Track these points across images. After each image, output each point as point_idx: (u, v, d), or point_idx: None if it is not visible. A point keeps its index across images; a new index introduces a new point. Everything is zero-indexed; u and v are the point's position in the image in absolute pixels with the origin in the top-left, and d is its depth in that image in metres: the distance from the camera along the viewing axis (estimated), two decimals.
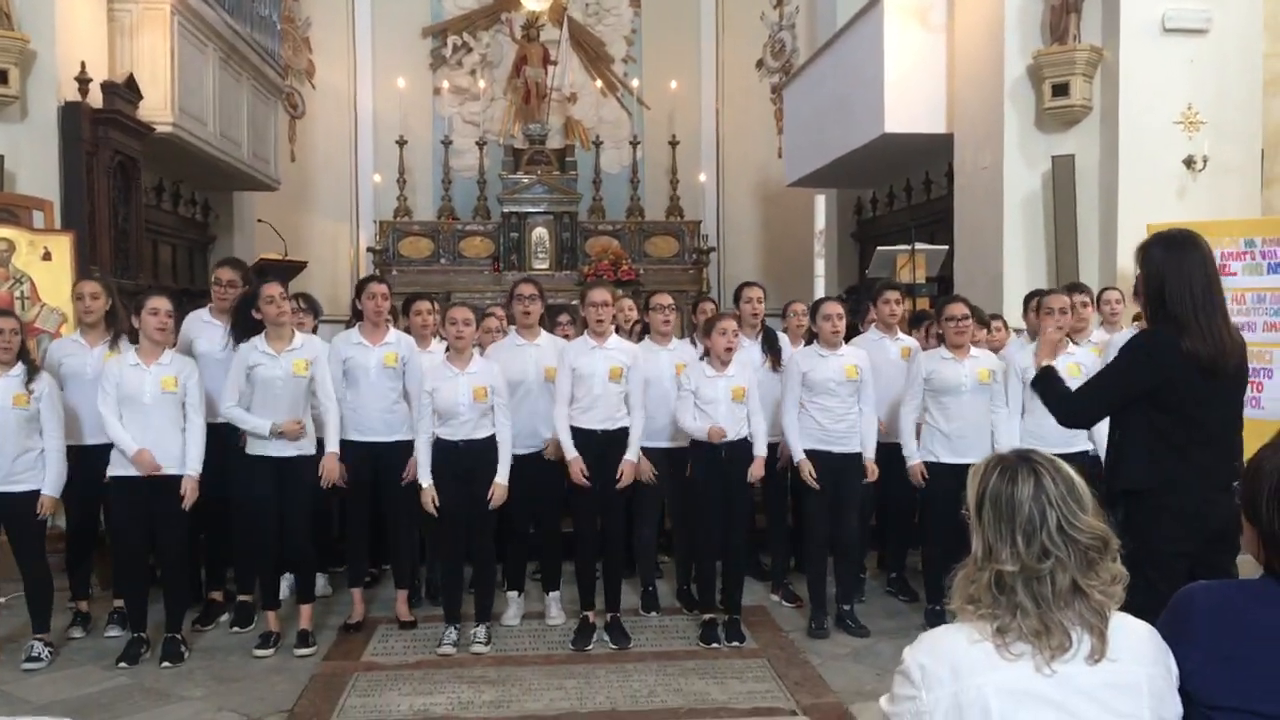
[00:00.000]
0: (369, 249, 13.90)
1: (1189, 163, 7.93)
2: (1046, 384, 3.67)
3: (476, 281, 13.37)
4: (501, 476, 5.41)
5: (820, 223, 14.25)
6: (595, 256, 13.38)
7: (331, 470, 5.51)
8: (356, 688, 4.92)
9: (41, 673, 5.16)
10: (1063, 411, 3.59)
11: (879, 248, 9.19)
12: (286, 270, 10.06)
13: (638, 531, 6.17)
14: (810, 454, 5.65)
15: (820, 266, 14.12)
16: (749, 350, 6.17)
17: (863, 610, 5.96)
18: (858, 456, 5.69)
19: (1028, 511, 1.93)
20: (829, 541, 5.76)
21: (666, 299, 6.11)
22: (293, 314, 5.64)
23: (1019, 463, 1.98)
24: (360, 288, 6.07)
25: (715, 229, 14.90)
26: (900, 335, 6.36)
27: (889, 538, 6.68)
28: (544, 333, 5.90)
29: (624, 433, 5.58)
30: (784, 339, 6.40)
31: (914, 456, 5.66)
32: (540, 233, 13.58)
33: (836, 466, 5.66)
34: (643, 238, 13.96)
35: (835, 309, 5.73)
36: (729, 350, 5.49)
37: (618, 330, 6.01)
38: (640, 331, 6.39)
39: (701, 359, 5.67)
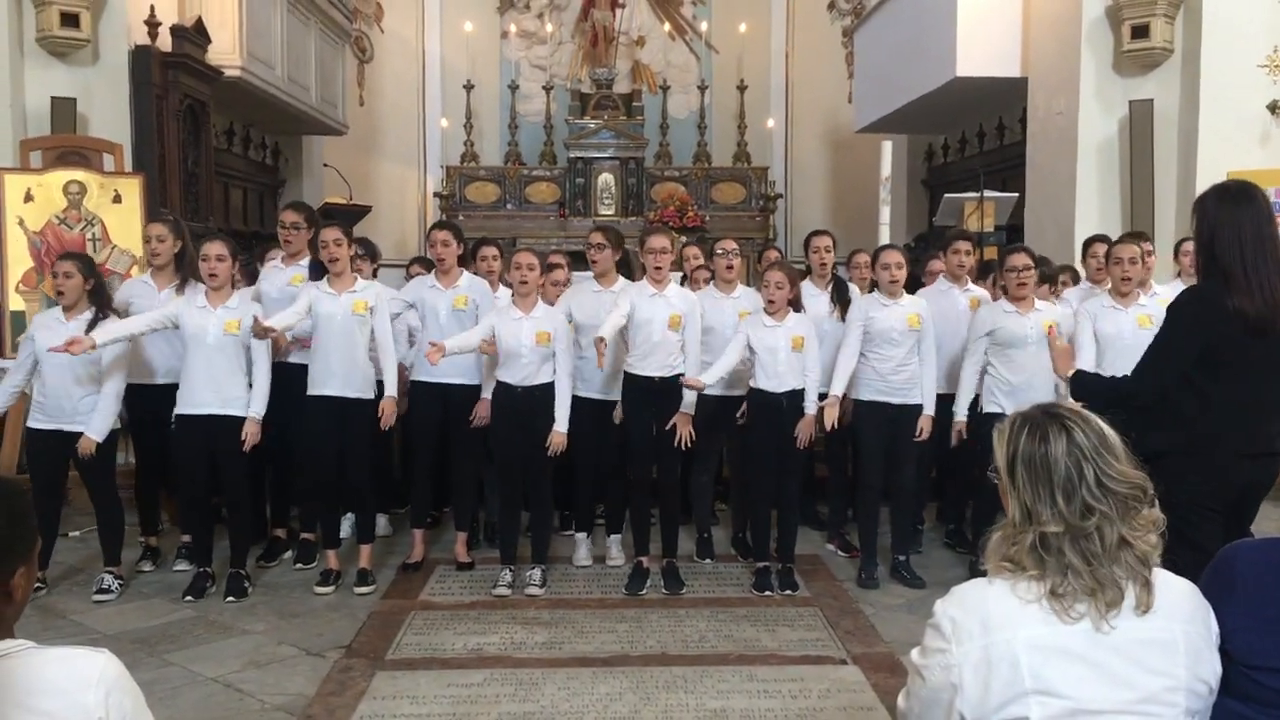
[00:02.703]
0: (435, 194, 13.95)
1: (1273, 108, 7.69)
2: (1087, 387, 3.60)
3: (542, 227, 13.40)
4: (561, 425, 5.44)
5: (886, 169, 14.04)
6: (661, 202, 13.34)
7: (389, 415, 5.57)
8: (413, 626, 5.01)
9: (111, 605, 5.33)
10: (1124, 393, 3.45)
11: (947, 195, 9.03)
12: (351, 215, 10.16)
13: (694, 478, 6.20)
14: (869, 404, 5.65)
15: (885, 214, 13.94)
16: (817, 300, 6.14)
17: (919, 562, 5.94)
18: (917, 408, 5.67)
19: (1064, 469, 1.89)
20: (885, 491, 5.75)
21: (730, 244, 6.08)
22: (351, 258, 5.71)
23: (1047, 419, 1.93)
24: (429, 234, 6.20)
25: (783, 175, 14.75)
26: (969, 286, 6.29)
27: (948, 489, 6.64)
28: (621, 279, 5.90)
29: (677, 380, 5.56)
30: (854, 289, 6.34)
31: (961, 414, 5.64)
32: (606, 178, 13.55)
33: (895, 417, 5.65)
34: (709, 184, 13.87)
35: (894, 258, 5.67)
36: (772, 302, 5.49)
37: (686, 280, 5.97)
38: (707, 279, 6.36)
39: (766, 307, 5.65)
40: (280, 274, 5.96)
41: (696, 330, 5.60)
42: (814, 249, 6.33)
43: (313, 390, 5.52)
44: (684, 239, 10.54)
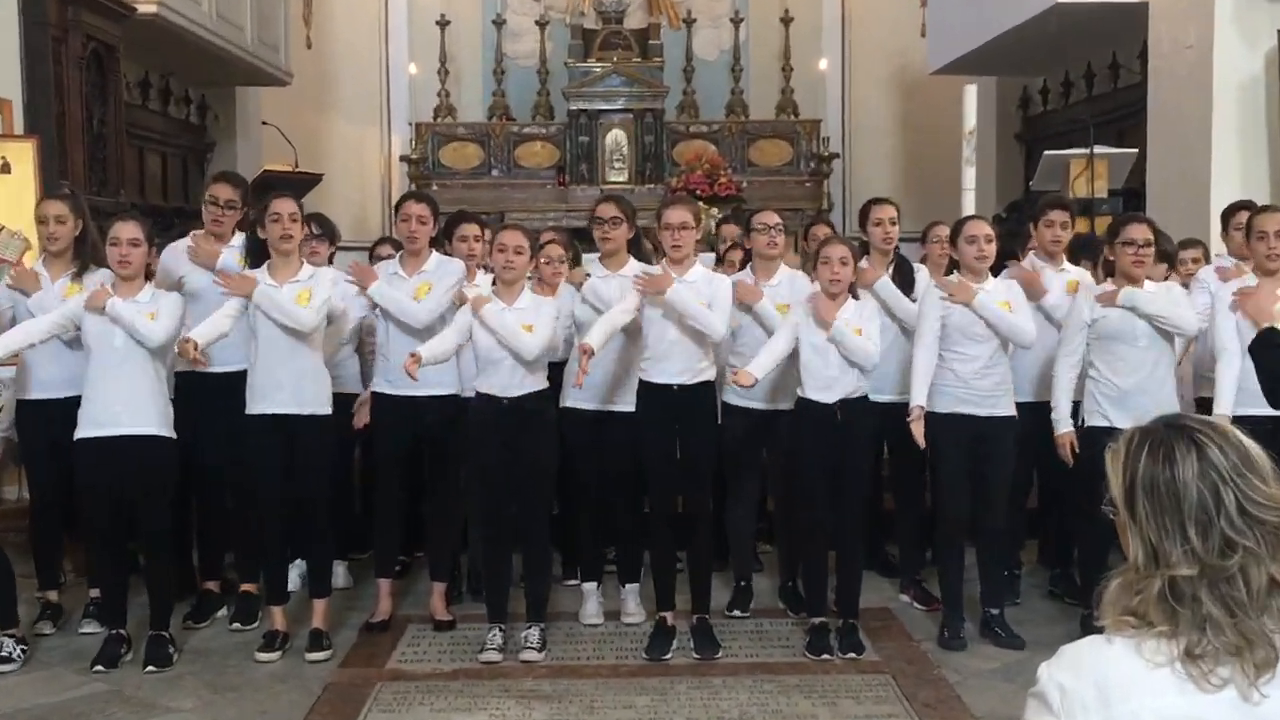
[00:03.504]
0: (403, 158, 13.99)
1: None
2: (1268, 351, 3.54)
3: (537, 198, 13.41)
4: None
5: (971, 121, 13.92)
6: (686, 166, 13.26)
7: (362, 414, 5.84)
8: (379, 701, 5.01)
9: (10, 676, 5.31)
10: None
11: (1047, 152, 8.99)
12: (297, 184, 10.15)
13: (730, 512, 6.21)
14: (948, 417, 5.64)
15: (970, 177, 13.83)
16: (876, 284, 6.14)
17: (1016, 615, 5.92)
18: (1009, 421, 5.67)
19: (1196, 495, 1.86)
20: (972, 527, 5.75)
21: (772, 216, 6.09)
22: (304, 239, 5.76)
23: (1172, 434, 1.91)
24: (397, 208, 6.22)
25: (839, 131, 14.70)
26: (1066, 265, 6.28)
27: (1052, 522, 6.62)
28: (633, 260, 5.92)
29: (706, 388, 5.59)
30: (921, 271, 6.35)
31: (1063, 425, 5.62)
32: (616, 136, 13.56)
33: (982, 433, 5.64)
34: (747, 142, 13.86)
35: (981, 229, 5.67)
36: (835, 281, 5.50)
37: (720, 263, 6.11)
38: (742, 260, 6.37)
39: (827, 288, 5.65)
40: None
41: (725, 315, 5.59)
42: (874, 220, 6.31)
43: (253, 407, 5.54)
44: (715, 213, 10.60)
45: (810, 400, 5.53)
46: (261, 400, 5.53)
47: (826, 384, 5.50)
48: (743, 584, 6.18)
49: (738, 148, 13.76)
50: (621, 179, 13.38)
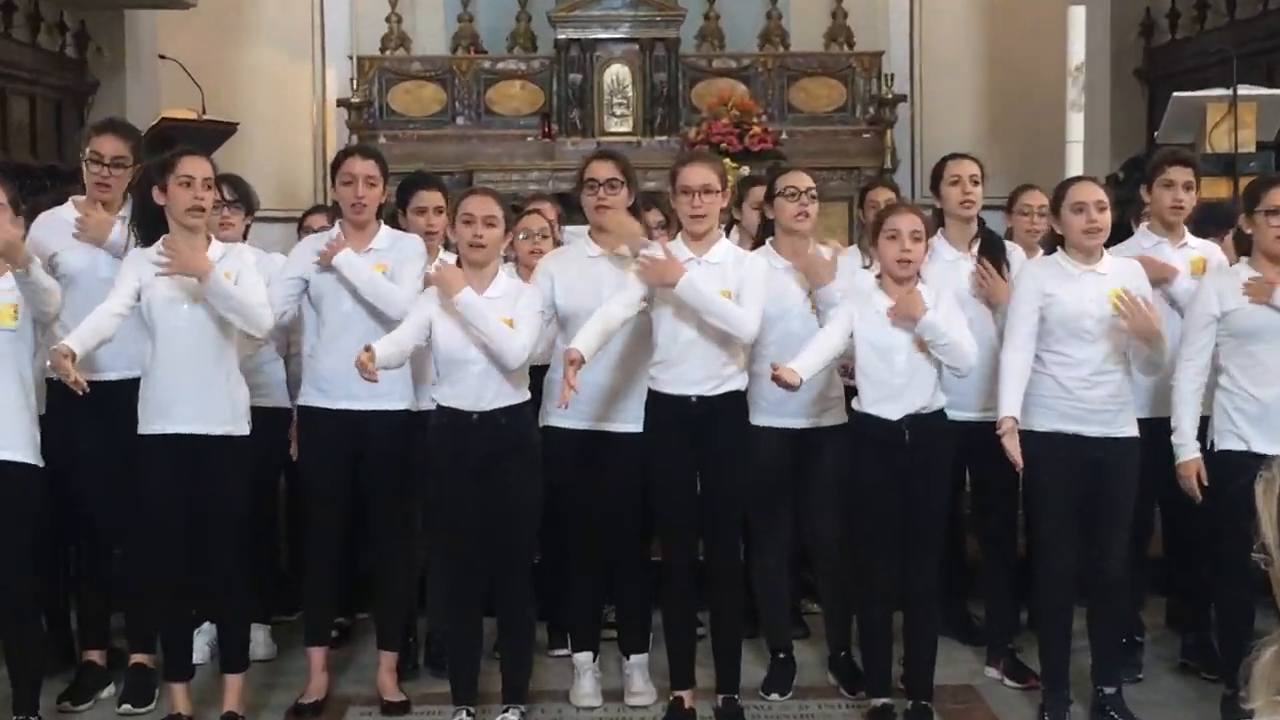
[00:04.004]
0: (341, 103, 13.97)
1: None
2: None
3: (515, 154, 13.40)
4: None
5: (1078, 53, 13.86)
6: (708, 112, 13.27)
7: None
8: None
9: None
10: None
11: (1176, 94, 8.96)
12: (205, 137, 10.11)
13: (760, 559, 6.19)
14: (1048, 438, 5.60)
15: (1076, 126, 13.74)
16: (951, 266, 6.09)
17: (1138, 694, 5.91)
18: (1130, 444, 5.63)
19: None
20: (1081, 581, 5.72)
21: (803, 179, 6.04)
22: (214, 209, 5.73)
23: None
24: (335, 166, 6.13)
25: (906, 67, 14.69)
26: (1189, 239, 6.25)
27: (1181, 575, 6.58)
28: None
29: (734, 400, 5.60)
30: (1015, 252, 6.30)
31: (1187, 447, 5.54)
32: (618, 74, 13.58)
33: (1094, 458, 5.59)
34: (787, 81, 13.88)
35: (1092, 193, 5.58)
36: (905, 262, 5.45)
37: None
38: (758, 233, 6.31)
39: (877, 278, 5.64)
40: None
41: (757, 308, 5.54)
42: (950, 178, 6.23)
43: (148, 426, 5.52)
44: (743, 170, 10.55)
45: (870, 416, 5.50)
46: (158, 417, 5.50)
47: (892, 394, 5.46)
48: (781, 656, 6.14)
49: (775, 88, 13.76)
50: (624, 129, 13.40)
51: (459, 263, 5.63)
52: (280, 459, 6.32)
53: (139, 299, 5.47)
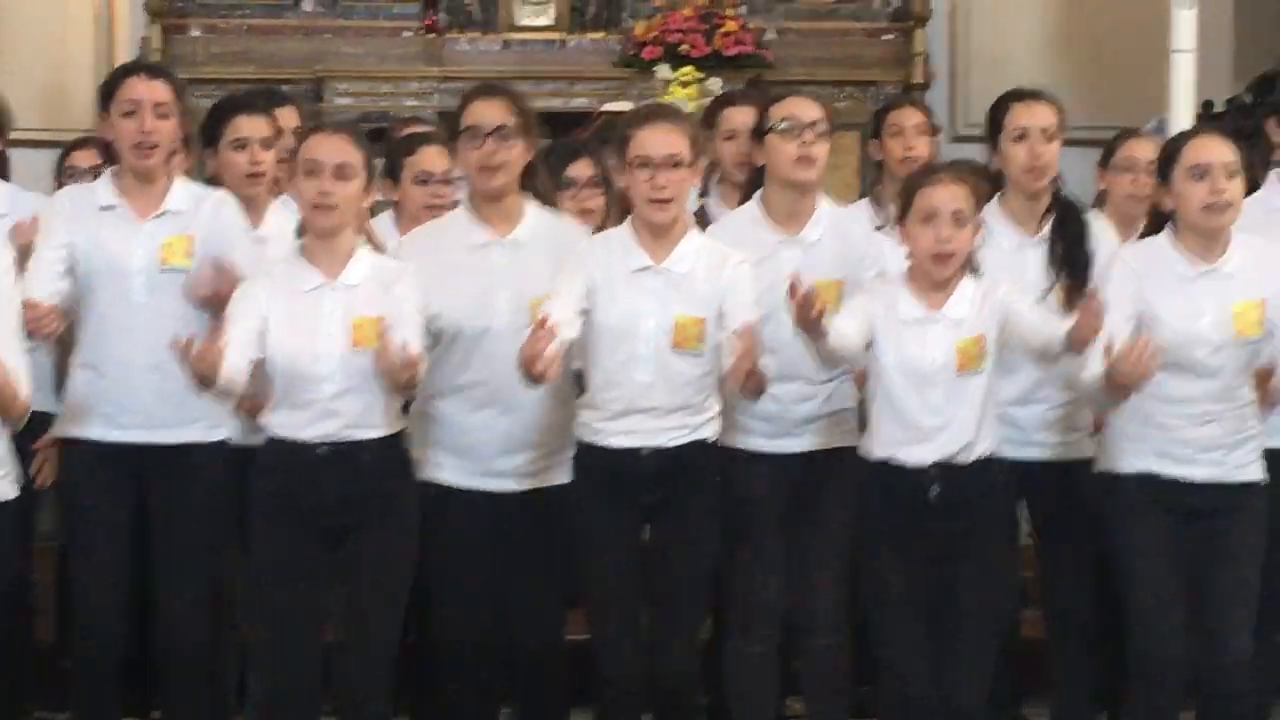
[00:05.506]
0: None
1: None
2: None
3: (386, 56, 12.19)
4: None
5: None
6: (661, 5, 12.18)
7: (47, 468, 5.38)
8: None
9: None
10: None
11: None
12: None
13: (732, 646, 5.45)
14: (1142, 482, 4.92)
15: (1185, 30, 12.64)
16: (1019, 255, 5.30)
17: None
18: (1252, 491, 4.94)
19: None
20: (1188, 673, 5.03)
21: (807, 108, 5.27)
22: None
23: None
24: (109, 87, 5.40)
25: None
26: None
27: None
28: (533, 211, 5.14)
29: (699, 450, 4.95)
30: (1100, 226, 5.50)
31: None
32: None
33: (1202, 510, 4.92)
34: None
35: (1219, 152, 4.81)
36: (946, 259, 4.65)
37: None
38: (746, 184, 5.58)
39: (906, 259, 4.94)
40: None
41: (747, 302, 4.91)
42: (1014, 130, 5.35)
43: None
44: (712, 86, 9.88)
45: (889, 465, 4.77)
46: None
47: (923, 434, 4.73)
48: None
49: None
50: (543, 21, 12.20)
51: (300, 231, 4.83)
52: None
53: None
